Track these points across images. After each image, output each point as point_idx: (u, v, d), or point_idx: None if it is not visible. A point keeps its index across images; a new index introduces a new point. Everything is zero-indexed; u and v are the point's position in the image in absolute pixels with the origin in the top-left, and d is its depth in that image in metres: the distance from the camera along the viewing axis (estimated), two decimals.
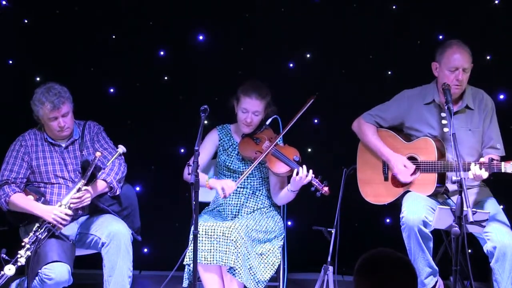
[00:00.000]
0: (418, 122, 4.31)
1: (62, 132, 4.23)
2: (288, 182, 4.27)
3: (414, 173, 4.25)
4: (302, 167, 4.17)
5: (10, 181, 4.18)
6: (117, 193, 4.27)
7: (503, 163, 3.97)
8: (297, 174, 4.16)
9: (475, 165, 3.98)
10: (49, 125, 4.21)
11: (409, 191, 4.27)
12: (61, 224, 4.01)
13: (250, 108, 4.31)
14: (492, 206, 4.19)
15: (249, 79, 4.43)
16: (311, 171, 4.18)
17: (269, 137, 4.35)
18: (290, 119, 4.31)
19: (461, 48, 4.18)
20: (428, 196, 4.20)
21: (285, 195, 4.32)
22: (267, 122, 4.41)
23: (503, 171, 3.96)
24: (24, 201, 4.11)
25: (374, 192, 4.41)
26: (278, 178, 4.37)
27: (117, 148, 4.26)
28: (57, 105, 4.13)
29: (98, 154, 4.07)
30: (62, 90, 4.19)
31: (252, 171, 4.37)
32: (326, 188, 4.15)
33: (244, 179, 4.38)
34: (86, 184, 4.11)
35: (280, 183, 4.39)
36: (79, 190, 4.07)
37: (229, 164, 4.42)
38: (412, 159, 4.28)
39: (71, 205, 4.06)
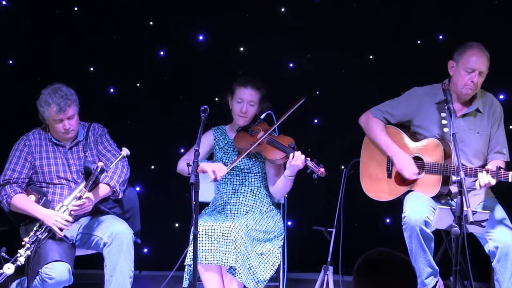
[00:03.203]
0: (427, 121, 4.28)
1: (67, 134, 4.23)
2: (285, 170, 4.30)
3: (418, 173, 4.24)
4: (298, 151, 4.20)
5: (12, 181, 4.18)
6: (120, 196, 4.26)
7: (510, 172, 3.94)
8: (293, 158, 4.18)
9: (482, 172, 3.95)
10: (54, 127, 4.21)
11: (412, 190, 4.26)
12: (61, 230, 4.01)
13: (246, 98, 4.35)
14: (494, 207, 4.19)
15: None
16: (303, 156, 4.19)
17: (264, 129, 4.37)
18: (282, 114, 4.33)
19: (481, 51, 4.16)
20: (431, 197, 4.19)
21: (283, 183, 4.33)
22: (261, 117, 4.43)
23: (510, 180, 3.94)
24: (25, 203, 4.10)
25: (376, 188, 4.39)
26: (275, 166, 4.39)
27: (121, 150, 4.25)
28: (63, 107, 4.12)
29: (100, 164, 4.06)
30: (69, 92, 4.17)
31: (251, 168, 4.40)
32: (322, 170, 4.16)
33: (243, 177, 4.41)
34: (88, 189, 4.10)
35: (276, 172, 4.40)
36: (80, 198, 4.05)
37: (226, 161, 4.43)
38: (417, 159, 4.27)
39: (72, 212, 4.06)
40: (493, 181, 3.95)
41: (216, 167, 4.25)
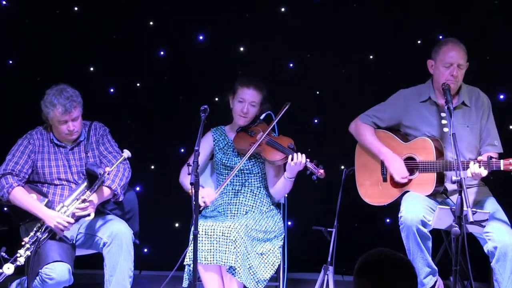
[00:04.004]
0: (416, 120, 4.31)
1: (70, 135, 4.22)
2: (285, 171, 4.30)
3: (412, 173, 4.25)
4: (297, 153, 4.20)
5: (14, 173, 4.16)
6: (120, 199, 4.26)
7: (502, 161, 3.97)
8: (292, 159, 4.18)
9: (474, 163, 3.98)
10: (58, 127, 4.20)
11: (408, 191, 4.27)
12: (62, 231, 4.01)
13: (248, 98, 4.35)
14: (492, 206, 4.19)
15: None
16: (304, 155, 4.19)
17: (263, 130, 4.37)
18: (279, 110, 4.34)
19: (456, 45, 4.22)
20: (427, 196, 4.20)
21: (283, 184, 4.33)
22: (261, 117, 4.43)
23: (502, 169, 3.97)
24: (26, 198, 4.09)
25: (373, 193, 4.40)
26: (275, 167, 4.39)
27: (122, 152, 4.25)
28: (68, 109, 4.11)
29: (107, 169, 4.07)
30: (74, 93, 4.17)
31: (251, 169, 4.40)
32: (321, 171, 4.16)
33: (243, 178, 4.41)
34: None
35: (276, 173, 4.40)
36: (84, 201, 4.05)
37: (226, 162, 4.43)
38: (410, 159, 4.28)
39: (75, 214, 4.06)
40: (484, 172, 3.97)
41: (205, 193, 4.25)
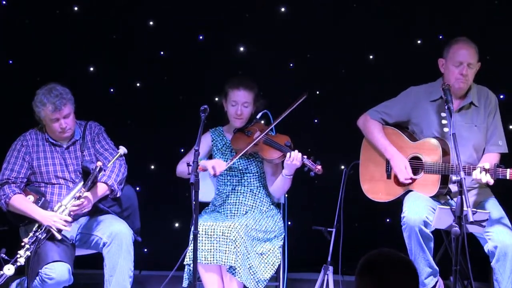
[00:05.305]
0: (424, 119, 4.30)
1: (63, 133, 4.23)
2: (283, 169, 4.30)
3: (416, 173, 4.25)
4: (294, 150, 4.21)
5: (11, 181, 4.18)
6: (118, 195, 4.27)
7: (508, 170, 3.95)
8: (290, 157, 4.18)
9: (481, 172, 3.96)
10: (50, 126, 4.21)
11: (412, 190, 4.26)
12: (60, 231, 4.01)
13: (239, 100, 4.36)
14: (493, 206, 4.19)
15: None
16: (300, 154, 4.20)
17: (260, 129, 4.37)
18: (281, 113, 4.32)
19: (467, 44, 4.20)
20: (430, 196, 4.20)
21: (281, 182, 4.34)
22: (257, 116, 4.43)
23: (508, 178, 3.95)
24: (24, 204, 4.10)
25: (376, 189, 4.39)
26: (273, 166, 4.40)
27: (118, 149, 4.26)
28: (58, 106, 4.13)
29: (99, 163, 4.07)
30: (63, 91, 4.18)
31: (249, 168, 4.42)
32: (319, 167, 4.17)
33: (242, 177, 4.42)
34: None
35: (274, 171, 4.41)
36: (79, 197, 4.06)
37: (224, 162, 4.43)
38: (416, 159, 4.27)
39: (72, 212, 4.06)
40: (491, 181, 3.96)
41: (215, 162, 4.29)
